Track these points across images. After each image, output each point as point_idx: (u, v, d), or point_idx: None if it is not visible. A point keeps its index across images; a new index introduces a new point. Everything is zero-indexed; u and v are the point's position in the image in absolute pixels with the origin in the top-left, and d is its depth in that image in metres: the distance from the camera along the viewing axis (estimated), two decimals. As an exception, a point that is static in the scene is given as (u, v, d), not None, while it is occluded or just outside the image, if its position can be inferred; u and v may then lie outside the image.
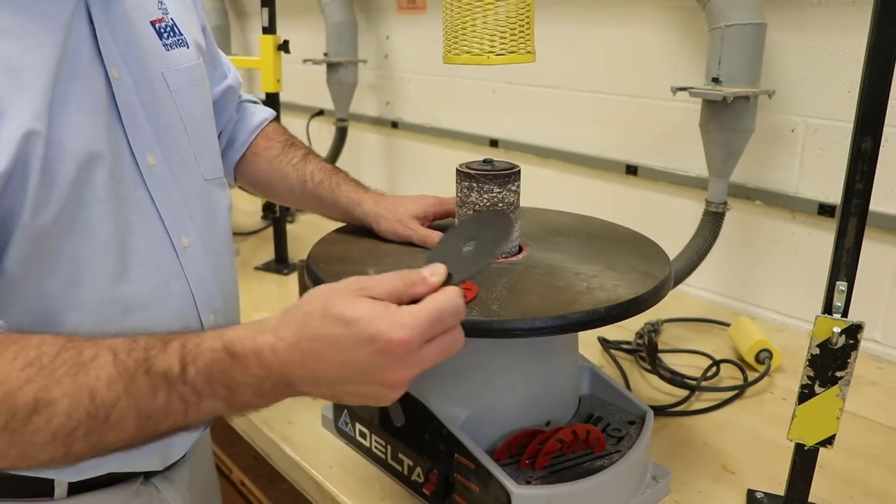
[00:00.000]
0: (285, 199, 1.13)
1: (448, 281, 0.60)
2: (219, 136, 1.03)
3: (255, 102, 1.15)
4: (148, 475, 0.88)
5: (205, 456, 1.05)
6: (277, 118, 1.16)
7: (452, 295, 0.58)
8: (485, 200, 0.91)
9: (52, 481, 0.79)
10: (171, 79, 0.84)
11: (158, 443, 0.73)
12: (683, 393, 1.19)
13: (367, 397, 0.58)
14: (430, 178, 2.21)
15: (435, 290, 0.58)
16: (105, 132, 0.73)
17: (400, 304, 0.57)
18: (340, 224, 1.09)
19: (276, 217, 1.78)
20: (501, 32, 0.86)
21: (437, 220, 1.03)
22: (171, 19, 0.87)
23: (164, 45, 0.84)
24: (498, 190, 0.91)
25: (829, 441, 0.82)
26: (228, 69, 1.09)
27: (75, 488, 0.81)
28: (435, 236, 0.97)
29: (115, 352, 0.57)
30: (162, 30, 0.85)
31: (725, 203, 1.39)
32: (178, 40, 0.87)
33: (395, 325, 0.55)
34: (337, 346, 0.56)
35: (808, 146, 1.38)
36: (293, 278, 1.73)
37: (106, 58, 0.74)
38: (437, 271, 0.59)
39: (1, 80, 0.64)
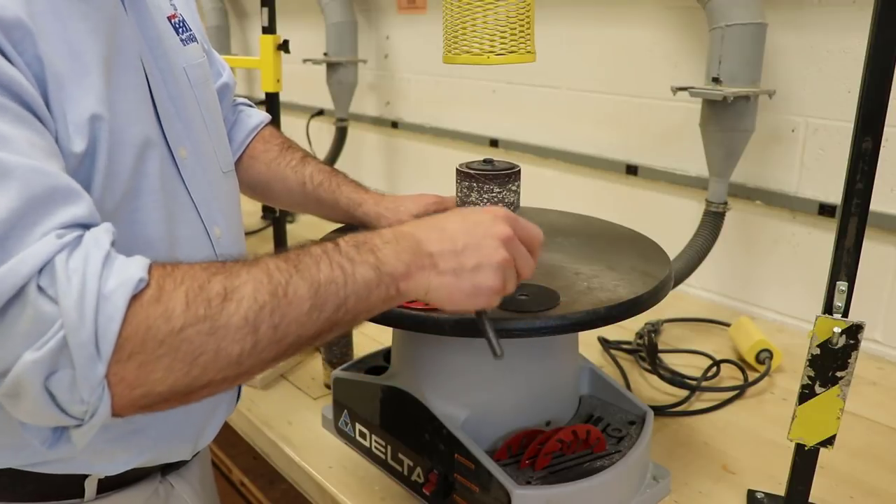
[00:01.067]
0: (284, 201, 1.13)
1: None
2: None
3: (250, 105, 1.16)
4: (164, 472, 0.89)
5: (206, 452, 1.06)
6: (273, 122, 1.16)
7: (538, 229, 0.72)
8: (485, 200, 0.91)
9: (82, 481, 0.79)
10: (191, 73, 0.85)
11: (195, 428, 0.87)
12: (683, 393, 1.19)
13: (484, 250, 0.67)
14: (430, 178, 2.21)
15: None
16: (152, 124, 0.75)
17: None
18: (340, 224, 1.09)
19: (276, 217, 1.78)
20: (501, 32, 0.85)
21: None
22: (181, 15, 0.88)
23: (181, 40, 0.86)
24: (498, 190, 0.91)
25: (829, 441, 0.82)
26: (223, 67, 1.09)
27: (104, 486, 0.81)
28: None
29: (272, 254, 0.63)
30: (177, 25, 0.86)
31: (725, 203, 1.39)
32: (190, 36, 0.89)
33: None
34: (453, 214, 0.70)
35: (809, 146, 1.38)
36: (293, 278, 1.72)
37: (141, 52, 0.76)
38: None
39: (64, 62, 0.65)
